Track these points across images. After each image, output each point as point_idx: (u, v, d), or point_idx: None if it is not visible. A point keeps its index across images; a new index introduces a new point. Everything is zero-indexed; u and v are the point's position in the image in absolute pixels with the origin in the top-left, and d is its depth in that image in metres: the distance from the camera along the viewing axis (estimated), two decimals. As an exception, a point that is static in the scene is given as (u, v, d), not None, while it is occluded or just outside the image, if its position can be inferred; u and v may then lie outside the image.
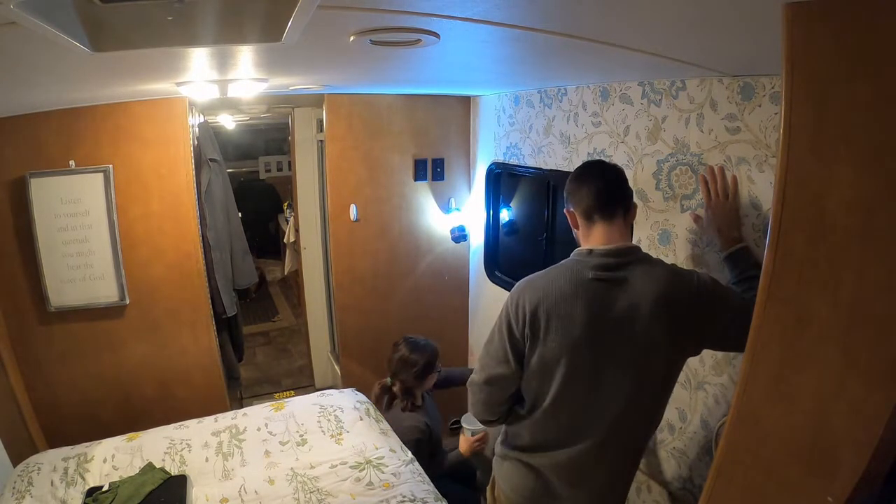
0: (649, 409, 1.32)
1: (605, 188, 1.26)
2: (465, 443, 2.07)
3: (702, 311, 1.21)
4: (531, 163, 2.32)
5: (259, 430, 2.17)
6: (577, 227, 1.32)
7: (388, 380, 2.23)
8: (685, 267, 1.57)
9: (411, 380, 2.13)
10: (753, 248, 1.34)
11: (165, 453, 2.02)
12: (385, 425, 2.21)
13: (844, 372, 0.69)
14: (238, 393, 3.41)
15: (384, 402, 2.26)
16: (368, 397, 2.42)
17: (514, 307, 1.28)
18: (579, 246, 1.31)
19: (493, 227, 2.80)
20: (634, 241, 1.71)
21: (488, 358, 1.34)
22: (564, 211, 1.34)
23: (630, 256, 1.24)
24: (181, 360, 2.57)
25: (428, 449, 2.15)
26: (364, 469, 1.94)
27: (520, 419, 1.36)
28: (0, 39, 0.82)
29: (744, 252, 1.33)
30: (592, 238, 1.28)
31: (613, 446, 1.30)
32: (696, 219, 1.51)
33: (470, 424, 2.05)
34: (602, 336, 1.21)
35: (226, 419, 2.24)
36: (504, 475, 1.43)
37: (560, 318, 1.22)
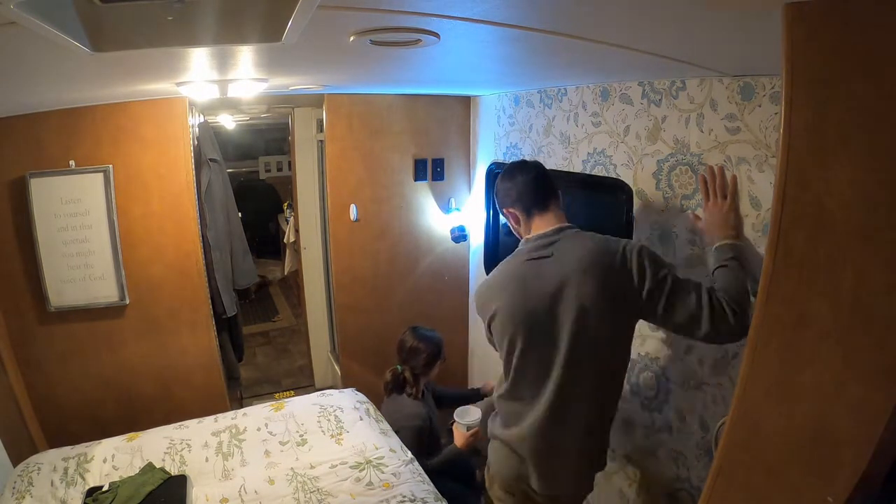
0: (604, 369, 1.39)
1: (537, 183, 1.44)
2: (459, 437, 2.10)
3: (630, 275, 1.27)
4: (531, 163, 2.32)
5: (259, 430, 2.17)
6: (518, 224, 1.48)
7: (398, 367, 2.31)
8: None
9: (420, 367, 2.26)
10: (752, 247, 1.34)
11: (165, 453, 2.02)
12: (385, 425, 2.22)
13: (844, 372, 0.69)
14: (238, 393, 3.40)
15: (390, 388, 2.33)
16: (368, 397, 2.43)
17: (477, 309, 1.51)
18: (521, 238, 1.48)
19: (493, 227, 2.79)
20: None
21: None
22: (504, 211, 1.50)
23: (561, 234, 1.38)
24: (181, 360, 2.57)
25: (427, 440, 2.21)
26: (364, 469, 1.94)
27: (498, 398, 1.51)
28: (0, 39, 0.82)
29: (731, 246, 1.32)
30: (534, 228, 1.44)
31: (574, 410, 1.39)
32: (696, 219, 1.51)
33: (463, 419, 2.07)
34: (542, 309, 1.34)
35: (226, 419, 2.24)
36: (493, 455, 1.57)
37: (506, 304, 1.38)
